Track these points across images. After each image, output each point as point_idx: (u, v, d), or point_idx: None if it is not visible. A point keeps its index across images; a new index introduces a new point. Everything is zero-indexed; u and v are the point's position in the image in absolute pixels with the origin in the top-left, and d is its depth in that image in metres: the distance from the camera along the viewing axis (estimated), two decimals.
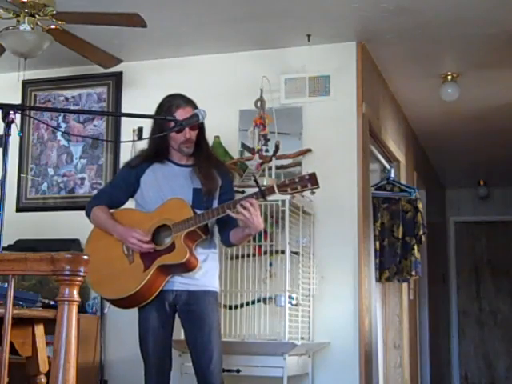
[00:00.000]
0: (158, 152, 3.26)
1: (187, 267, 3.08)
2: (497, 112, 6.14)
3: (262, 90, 4.36)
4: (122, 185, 3.31)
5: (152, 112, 3.35)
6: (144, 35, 4.36)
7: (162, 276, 3.09)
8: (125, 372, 4.59)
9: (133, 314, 4.68)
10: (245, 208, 2.92)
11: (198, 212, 3.07)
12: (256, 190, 2.98)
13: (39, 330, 2.95)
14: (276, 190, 2.92)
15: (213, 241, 3.28)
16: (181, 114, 3.14)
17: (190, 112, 3.14)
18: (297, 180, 2.91)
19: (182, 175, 3.22)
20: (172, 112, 3.15)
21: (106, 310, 3.30)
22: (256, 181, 2.98)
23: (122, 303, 3.17)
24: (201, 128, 3.23)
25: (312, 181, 2.90)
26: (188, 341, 3.18)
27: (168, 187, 3.18)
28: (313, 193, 3.02)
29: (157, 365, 3.16)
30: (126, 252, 3.14)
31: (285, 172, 4.43)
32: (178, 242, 3.04)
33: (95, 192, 5.03)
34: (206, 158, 3.24)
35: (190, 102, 3.22)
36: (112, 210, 3.31)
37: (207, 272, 3.20)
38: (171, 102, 3.21)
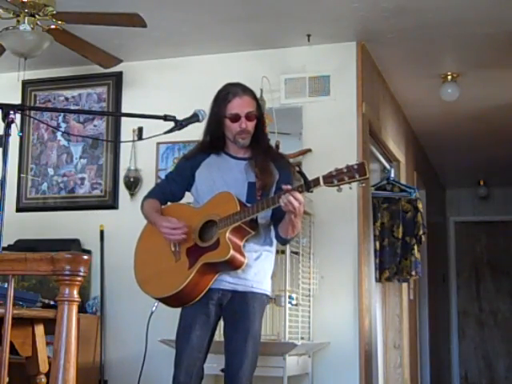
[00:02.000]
0: (213, 143, 3.08)
1: (232, 265, 2.88)
2: (497, 112, 6.14)
3: (262, 90, 4.36)
4: (177, 178, 3.16)
5: (152, 112, 3.34)
6: (144, 35, 4.36)
7: (209, 274, 2.92)
8: (125, 372, 4.60)
9: (133, 314, 4.70)
10: (288, 202, 2.72)
11: None
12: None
13: (39, 330, 2.96)
14: (321, 182, 2.69)
15: (268, 237, 3.05)
16: (237, 103, 2.98)
17: (247, 102, 3.00)
18: (345, 170, 2.67)
19: (238, 168, 3.04)
20: (228, 100, 2.99)
21: (153, 309, 3.06)
22: (301, 172, 2.78)
23: (170, 302, 3.00)
24: (259, 119, 3.07)
25: (361, 171, 2.64)
26: (224, 340, 2.98)
27: (222, 181, 3.01)
28: (361, 184, 2.75)
29: (187, 367, 2.93)
30: (173, 249, 2.99)
31: None
32: (222, 239, 2.86)
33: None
34: (263, 151, 3.05)
35: (247, 92, 3.03)
36: (169, 204, 3.18)
37: (258, 272, 2.99)
38: (228, 90, 3.02)
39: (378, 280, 5.15)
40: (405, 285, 5.83)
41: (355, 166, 2.65)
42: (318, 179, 2.70)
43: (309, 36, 4.56)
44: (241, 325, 2.92)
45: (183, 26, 4.51)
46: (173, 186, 3.17)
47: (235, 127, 2.99)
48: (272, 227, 3.04)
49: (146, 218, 3.14)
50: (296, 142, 4.58)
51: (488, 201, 9.32)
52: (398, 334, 5.72)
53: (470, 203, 9.43)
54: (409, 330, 6.01)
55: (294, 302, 4.01)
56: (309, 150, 4.56)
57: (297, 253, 4.16)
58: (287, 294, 3.92)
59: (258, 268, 2.99)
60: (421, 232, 5.30)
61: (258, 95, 4.31)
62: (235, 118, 2.97)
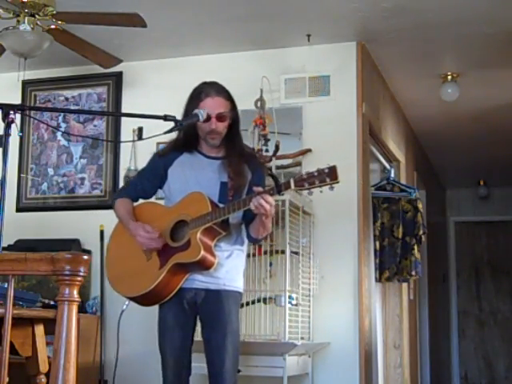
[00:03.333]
0: (187, 141, 3.09)
1: (203, 266, 2.91)
2: (497, 112, 6.14)
3: (262, 90, 4.37)
4: (149, 175, 3.16)
5: (152, 112, 3.33)
6: (144, 35, 4.36)
7: (180, 274, 2.95)
8: (125, 372, 4.59)
9: (132, 313, 4.69)
10: (259, 205, 2.73)
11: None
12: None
13: (39, 330, 2.95)
14: (292, 186, 2.70)
15: (239, 237, 3.08)
16: (209, 103, 2.98)
17: (219, 103, 2.99)
18: (315, 174, 2.68)
19: (211, 168, 3.05)
20: (200, 99, 3.00)
21: (124, 307, 3.15)
22: (272, 175, 2.82)
23: (141, 301, 3.03)
24: (234, 120, 3.07)
25: (331, 175, 2.65)
26: (204, 341, 3.01)
27: (194, 180, 3.02)
28: (331, 188, 2.70)
29: (174, 367, 3.00)
30: (144, 248, 3.00)
31: (285, 172, 4.43)
32: (193, 239, 2.87)
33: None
34: (237, 151, 3.06)
35: (221, 92, 3.03)
36: (142, 201, 3.19)
37: (230, 270, 3.02)
38: (202, 89, 3.04)
39: (378, 280, 5.15)
40: (405, 285, 5.83)
41: (326, 170, 2.67)
42: (288, 182, 2.72)
43: (309, 36, 4.56)
44: (218, 323, 2.97)
45: (183, 26, 4.51)
46: (145, 184, 3.17)
47: (205, 127, 3.00)
48: (243, 227, 3.08)
49: (118, 219, 3.15)
50: (296, 142, 4.58)
51: (488, 201, 9.32)
52: (398, 334, 5.72)
53: (470, 203, 9.43)
54: (409, 330, 6.01)
55: (294, 301, 4.01)
56: (309, 150, 4.56)
57: (297, 253, 4.16)
58: (287, 293, 3.92)
59: (230, 266, 3.02)
60: (421, 232, 5.30)
61: (258, 95, 4.36)
62: (206, 118, 2.97)
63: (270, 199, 2.74)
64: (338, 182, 2.67)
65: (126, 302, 3.12)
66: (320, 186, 2.69)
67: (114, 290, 3.05)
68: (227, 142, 3.08)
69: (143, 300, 3.01)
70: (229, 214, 2.85)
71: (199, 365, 3.14)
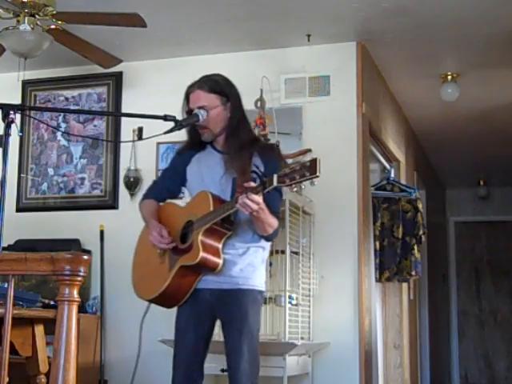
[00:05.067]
0: (194, 138, 3.03)
1: (206, 267, 2.81)
2: (497, 112, 6.14)
3: (261, 90, 4.37)
4: (171, 174, 3.12)
5: (152, 112, 3.33)
6: (144, 35, 4.36)
7: (191, 275, 2.86)
8: (125, 372, 4.59)
9: (133, 314, 4.69)
10: (244, 204, 2.64)
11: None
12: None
13: (39, 330, 2.96)
14: (275, 182, 2.56)
15: (257, 233, 2.90)
16: (191, 98, 2.95)
17: (198, 96, 2.93)
18: (297, 168, 2.52)
19: (222, 162, 2.94)
20: (187, 97, 2.97)
21: (146, 310, 3.05)
22: (256, 172, 2.70)
23: (159, 303, 2.97)
24: (232, 113, 2.96)
25: (311, 169, 2.47)
26: (224, 343, 2.90)
27: (209, 177, 2.95)
28: (312, 183, 2.58)
29: (184, 370, 2.89)
30: (158, 251, 2.95)
31: None
32: (195, 241, 2.80)
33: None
34: (239, 145, 2.91)
35: (201, 85, 2.97)
36: (169, 201, 3.14)
37: (245, 268, 2.89)
38: (190, 84, 3.00)
39: (378, 280, 5.15)
40: (405, 285, 5.83)
41: (307, 163, 2.50)
42: (271, 179, 2.58)
43: (309, 36, 4.56)
44: (233, 324, 2.86)
45: (183, 25, 4.51)
46: (167, 183, 3.13)
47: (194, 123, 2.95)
48: None
49: (143, 221, 3.12)
50: (296, 142, 4.58)
51: (488, 201, 9.32)
52: (398, 334, 5.72)
53: (470, 203, 9.43)
54: (409, 330, 6.01)
55: (294, 301, 4.01)
56: (309, 150, 4.55)
57: (297, 253, 4.16)
58: (287, 293, 3.92)
59: (245, 263, 2.90)
60: (421, 232, 5.30)
61: (258, 95, 4.35)
62: (189, 113, 2.93)
63: (256, 198, 2.63)
64: (317, 177, 2.48)
65: (148, 305, 3.05)
66: (300, 182, 2.52)
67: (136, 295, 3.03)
68: (227, 135, 2.98)
69: (160, 302, 2.96)
70: (223, 213, 2.76)
71: (209, 365, 3.11)
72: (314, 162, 2.48)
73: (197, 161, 3.03)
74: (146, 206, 3.11)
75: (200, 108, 2.91)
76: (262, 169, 2.81)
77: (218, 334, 3.09)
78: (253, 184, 2.66)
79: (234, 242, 2.89)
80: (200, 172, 3.00)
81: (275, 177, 2.56)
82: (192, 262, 2.79)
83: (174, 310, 3.05)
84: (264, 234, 2.86)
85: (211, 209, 2.79)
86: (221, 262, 2.82)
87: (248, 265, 2.91)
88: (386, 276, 5.20)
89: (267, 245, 3.01)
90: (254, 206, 2.64)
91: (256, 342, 2.89)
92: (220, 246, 2.83)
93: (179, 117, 2.93)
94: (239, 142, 2.94)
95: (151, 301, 2.97)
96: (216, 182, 2.92)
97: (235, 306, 2.86)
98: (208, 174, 2.96)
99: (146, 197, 3.17)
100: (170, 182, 3.12)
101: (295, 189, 2.57)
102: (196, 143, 3.04)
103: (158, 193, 3.15)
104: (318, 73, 4.69)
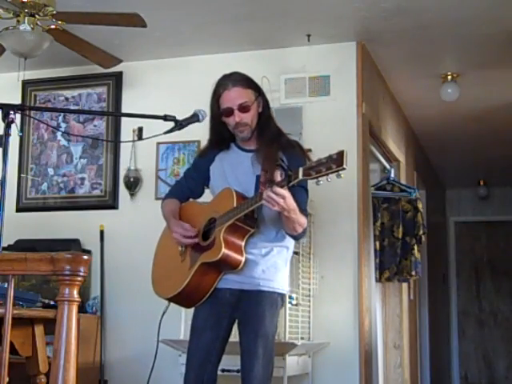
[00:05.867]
0: (219, 140, 2.97)
1: (227, 265, 2.76)
2: (497, 112, 6.14)
3: None
4: (194, 175, 3.08)
5: (152, 112, 3.33)
6: (144, 35, 4.36)
7: (211, 274, 2.81)
8: (125, 372, 4.60)
9: (133, 314, 4.69)
10: (269, 198, 2.55)
11: None
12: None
13: (39, 330, 2.96)
14: (300, 175, 2.49)
15: (280, 232, 2.86)
16: (227, 96, 2.87)
17: (238, 93, 2.86)
18: (324, 161, 2.47)
19: (247, 161, 2.89)
20: (219, 95, 2.89)
21: (165, 309, 3.01)
22: (282, 165, 2.65)
23: (178, 302, 2.94)
24: (264, 108, 2.94)
25: (338, 161, 2.43)
26: (239, 343, 2.85)
27: (233, 175, 2.91)
28: (339, 176, 2.46)
29: (196, 370, 2.83)
30: (180, 249, 2.92)
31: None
32: (217, 238, 2.74)
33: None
34: (269, 140, 2.88)
35: (238, 82, 2.90)
36: (191, 200, 3.11)
37: (267, 269, 2.84)
38: (219, 84, 2.91)
39: (378, 280, 5.16)
40: (405, 285, 5.83)
41: (334, 156, 2.46)
42: (297, 172, 2.51)
43: (309, 36, 4.56)
44: (250, 325, 2.82)
45: (183, 26, 4.51)
46: (190, 183, 3.10)
47: (231, 121, 2.89)
48: None
49: (164, 220, 3.08)
50: None
51: (488, 201, 9.33)
52: (398, 334, 5.72)
53: (470, 203, 9.43)
54: (409, 330, 6.01)
55: (294, 301, 4.01)
56: (309, 150, 4.53)
57: (297, 253, 4.16)
58: (287, 294, 3.92)
59: (267, 265, 2.84)
60: (421, 232, 5.30)
61: None
62: (228, 113, 2.87)
63: (281, 191, 2.54)
64: (344, 169, 2.43)
65: (167, 304, 3.00)
66: (326, 174, 2.45)
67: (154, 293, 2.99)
68: (259, 131, 2.93)
69: (179, 301, 2.92)
70: (247, 209, 2.69)
71: (224, 366, 3.12)
72: (340, 154, 2.44)
73: (220, 160, 3.00)
74: (167, 205, 3.08)
75: (242, 105, 2.86)
76: (286, 164, 2.78)
77: (233, 334, 3.06)
78: (278, 177, 2.59)
79: (257, 241, 2.83)
80: (223, 171, 2.96)
81: (301, 170, 2.50)
82: (213, 258, 2.74)
83: (179, 310, 3.02)
84: (294, 233, 2.80)
85: (234, 205, 2.74)
86: (243, 259, 2.77)
87: (271, 266, 2.86)
88: (386, 276, 5.20)
89: (292, 245, 2.96)
90: (280, 200, 2.56)
91: (272, 345, 2.84)
92: (243, 243, 2.78)
93: (179, 116, 2.91)
94: (269, 137, 2.92)
95: (171, 299, 2.92)
96: (240, 180, 2.88)
97: (253, 308, 2.82)
98: (231, 173, 2.93)
99: (168, 196, 3.15)
100: (193, 181, 3.10)
101: (321, 182, 2.48)
102: (221, 142, 2.99)
103: (180, 192, 3.12)
104: (318, 73, 4.69)
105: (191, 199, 3.11)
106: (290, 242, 2.93)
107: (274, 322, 2.87)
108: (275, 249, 2.87)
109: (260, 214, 2.81)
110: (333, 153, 2.47)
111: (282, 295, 2.94)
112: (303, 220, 2.75)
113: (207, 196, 3.09)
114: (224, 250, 2.71)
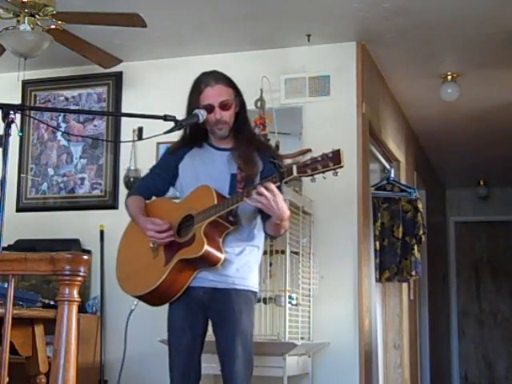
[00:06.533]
0: (194, 136, 2.97)
1: (208, 261, 2.75)
2: (497, 112, 6.14)
3: (261, 90, 4.37)
4: (161, 172, 3.07)
5: (152, 112, 3.33)
6: (144, 35, 4.36)
7: (187, 271, 2.80)
8: (125, 372, 4.59)
9: (133, 313, 4.67)
10: (260, 194, 2.54)
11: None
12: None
13: (39, 330, 2.96)
14: (295, 172, 2.50)
15: (252, 232, 2.89)
16: (209, 93, 2.87)
17: (220, 91, 2.88)
18: (319, 159, 2.48)
19: (221, 160, 2.90)
20: (200, 91, 2.89)
21: (133, 307, 3.00)
22: (274, 162, 2.62)
23: (148, 300, 2.91)
24: (240, 107, 2.95)
25: (335, 159, 2.46)
26: (215, 342, 2.85)
27: (205, 173, 2.90)
28: (335, 174, 2.49)
29: (181, 370, 2.85)
30: (151, 246, 2.88)
31: None
32: (197, 234, 2.73)
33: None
34: (246, 140, 2.91)
35: (221, 80, 2.92)
36: (153, 198, 3.10)
37: (241, 268, 2.85)
38: (201, 80, 2.93)
39: (378, 280, 5.15)
40: (405, 285, 5.83)
41: (330, 155, 2.49)
42: (291, 169, 2.52)
43: (309, 36, 4.56)
44: (226, 324, 2.81)
45: (183, 25, 4.51)
46: (156, 181, 3.08)
47: (211, 118, 2.88)
48: (259, 220, 2.90)
49: (130, 217, 3.06)
50: (296, 142, 4.58)
51: (488, 201, 9.33)
52: (398, 334, 5.72)
53: (470, 203, 9.43)
54: (409, 330, 6.01)
55: (294, 301, 4.01)
56: (309, 150, 4.55)
57: (297, 253, 4.16)
58: (287, 293, 3.92)
59: (241, 263, 2.85)
60: (421, 232, 5.31)
61: (258, 95, 4.35)
62: (209, 109, 2.87)
63: (272, 186, 2.55)
64: (341, 167, 2.47)
65: (135, 302, 2.99)
66: (323, 172, 2.48)
67: (121, 290, 2.95)
68: (235, 131, 2.94)
69: (151, 299, 2.88)
70: (232, 206, 2.70)
71: (208, 365, 3.09)
72: (336, 152, 2.48)
73: (191, 158, 2.99)
74: (133, 202, 3.05)
75: (223, 102, 2.88)
76: (261, 166, 2.83)
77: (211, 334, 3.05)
78: (257, 177, 2.62)
79: (231, 240, 2.83)
80: (194, 168, 2.96)
81: (295, 167, 2.50)
82: (194, 254, 2.73)
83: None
84: (276, 235, 2.85)
85: (215, 202, 2.73)
86: (223, 257, 2.77)
87: (244, 265, 2.87)
88: (386, 276, 5.20)
89: (261, 245, 2.98)
90: (268, 195, 2.55)
91: (250, 343, 2.85)
92: (220, 240, 2.78)
93: (179, 116, 2.91)
94: (246, 137, 2.94)
95: (141, 297, 2.89)
96: (213, 178, 2.87)
97: (229, 306, 2.82)
98: (204, 171, 2.92)
99: (133, 193, 3.12)
100: (159, 179, 3.08)
101: (316, 179, 2.50)
102: (193, 140, 2.99)
103: (145, 190, 3.10)
104: (318, 73, 4.69)
105: (154, 197, 3.09)
106: (260, 242, 2.95)
107: (250, 320, 2.88)
108: (247, 248, 2.88)
109: (236, 212, 2.81)
110: (327, 151, 2.50)
111: (255, 293, 2.94)
112: (288, 223, 2.79)
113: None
114: (206, 247, 2.71)
